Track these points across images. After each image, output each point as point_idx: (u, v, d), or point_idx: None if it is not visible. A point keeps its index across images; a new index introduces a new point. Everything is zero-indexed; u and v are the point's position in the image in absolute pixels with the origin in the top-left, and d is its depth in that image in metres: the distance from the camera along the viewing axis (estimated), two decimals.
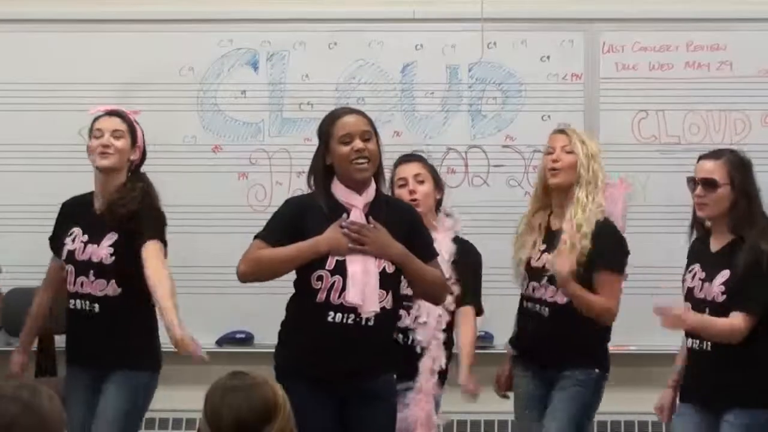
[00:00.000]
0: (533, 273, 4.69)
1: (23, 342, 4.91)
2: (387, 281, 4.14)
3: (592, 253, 4.55)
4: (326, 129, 4.19)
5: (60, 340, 5.76)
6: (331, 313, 4.09)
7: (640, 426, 5.95)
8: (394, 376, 4.31)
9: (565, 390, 4.64)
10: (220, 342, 5.87)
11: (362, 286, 4.07)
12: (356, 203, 4.13)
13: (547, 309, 4.66)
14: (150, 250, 4.46)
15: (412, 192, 4.74)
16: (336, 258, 4.08)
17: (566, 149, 4.67)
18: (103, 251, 4.55)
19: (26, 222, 5.79)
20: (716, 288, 4.30)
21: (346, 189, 4.15)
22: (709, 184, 4.33)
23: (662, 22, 6.01)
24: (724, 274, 4.30)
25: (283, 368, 4.18)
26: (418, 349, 4.66)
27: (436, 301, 4.43)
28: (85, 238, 4.58)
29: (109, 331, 4.56)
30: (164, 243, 4.57)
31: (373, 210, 4.17)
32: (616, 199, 4.82)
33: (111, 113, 4.66)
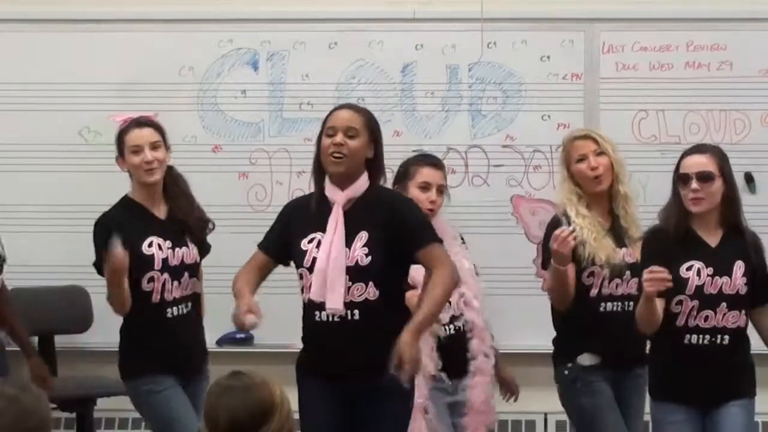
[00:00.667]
0: (614, 270, 4.67)
1: None
2: (363, 274, 4.12)
3: None
4: (323, 121, 4.23)
5: (59, 341, 5.95)
6: (317, 313, 4.11)
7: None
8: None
9: (641, 393, 4.71)
10: (220, 342, 5.88)
11: (322, 283, 4.09)
12: (337, 199, 4.14)
13: (632, 303, 4.59)
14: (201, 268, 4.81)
15: (432, 202, 4.78)
16: (313, 255, 4.11)
17: (597, 152, 4.72)
18: (194, 251, 4.68)
19: (26, 222, 5.82)
20: (739, 280, 4.33)
21: (331, 185, 4.18)
22: (707, 177, 4.34)
23: (662, 22, 6.04)
24: (741, 265, 4.34)
25: (297, 365, 4.23)
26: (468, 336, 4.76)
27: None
28: (168, 244, 4.61)
29: (198, 328, 4.75)
30: None
31: (360, 204, 4.17)
32: None
33: (141, 124, 4.67)
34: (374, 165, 4.19)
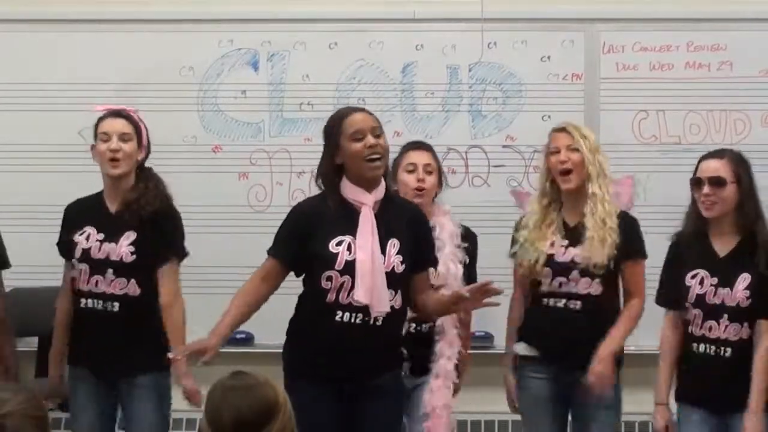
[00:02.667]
0: (560, 268, 4.63)
1: (56, 356, 4.73)
2: (396, 281, 4.17)
3: (621, 244, 4.56)
4: (335, 128, 4.21)
5: None
6: (339, 313, 4.12)
7: (640, 427, 5.97)
8: (402, 371, 4.36)
9: (603, 398, 4.61)
10: None
11: (371, 285, 4.10)
12: (366, 201, 4.15)
13: (579, 303, 4.61)
14: (167, 272, 4.59)
15: (420, 180, 4.74)
16: (345, 258, 4.11)
17: (571, 147, 4.67)
18: (123, 249, 4.53)
19: (26, 222, 5.82)
20: (741, 293, 4.32)
21: (356, 187, 4.17)
22: (717, 182, 4.36)
23: (663, 22, 6.05)
24: (746, 278, 4.32)
25: (290, 366, 4.22)
26: (435, 337, 4.70)
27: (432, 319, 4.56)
28: (101, 236, 4.55)
29: (129, 331, 4.52)
30: (183, 255, 4.65)
31: (382, 208, 4.20)
32: (621, 195, 4.83)
33: (116, 114, 4.64)
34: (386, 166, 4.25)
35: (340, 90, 6.04)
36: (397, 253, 4.20)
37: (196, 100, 6.11)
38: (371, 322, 4.13)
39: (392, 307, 4.14)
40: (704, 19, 6.04)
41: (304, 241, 4.19)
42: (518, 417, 5.91)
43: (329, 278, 4.13)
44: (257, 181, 6.08)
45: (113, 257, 4.50)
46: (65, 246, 4.65)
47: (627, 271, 4.60)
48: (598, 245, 4.55)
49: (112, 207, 4.60)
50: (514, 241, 4.76)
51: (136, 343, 4.53)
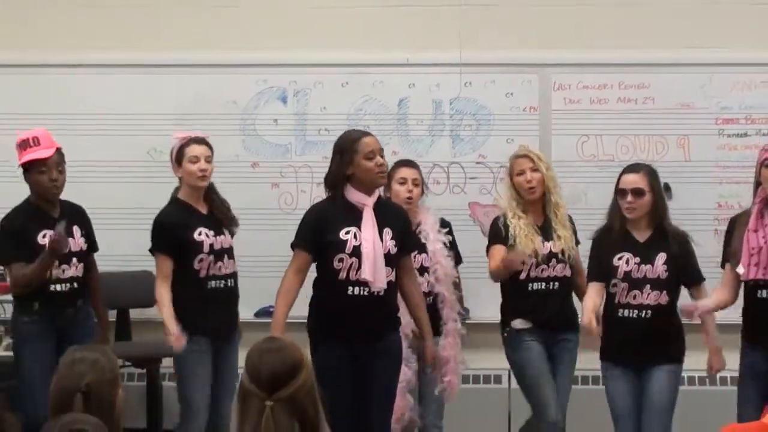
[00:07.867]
0: (540, 260, 5.23)
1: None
2: (391, 260, 4.75)
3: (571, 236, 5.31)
4: (350, 146, 4.76)
5: (133, 313, 6.68)
6: (350, 288, 4.72)
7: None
8: (401, 335, 4.91)
9: (570, 352, 5.35)
10: (257, 314, 6.54)
11: (373, 267, 4.67)
12: (368, 203, 4.76)
13: (557, 283, 5.23)
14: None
15: (410, 191, 5.34)
16: (353, 244, 4.69)
17: (532, 168, 5.27)
18: (229, 238, 5.23)
19: (109, 221, 6.38)
20: (660, 267, 4.97)
21: (360, 193, 4.76)
22: (639, 192, 5.01)
23: (600, 66, 6.69)
24: (663, 256, 4.99)
25: (315, 331, 4.83)
26: (440, 306, 5.37)
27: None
28: (212, 233, 5.14)
29: (234, 302, 5.31)
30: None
31: (377, 207, 4.79)
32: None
33: (200, 141, 5.22)
34: None
35: (350, 119, 6.67)
36: (391, 239, 4.79)
37: (239, 127, 6.77)
38: (375, 293, 4.70)
39: (389, 282, 4.74)
40: (632, 64, 6.65)
41: (321, 233, 4.76)
42: (488, 372, 6.64)
43: (341, 260, 4.72)
44: (286, 189, 6.73)
45: (225, 245, 5.22)
46: (176, 244, 5.14)
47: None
48: (569, 239, 5.31)
49: (203, 210, 5.22)
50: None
51: (236, 312, 5.32)
